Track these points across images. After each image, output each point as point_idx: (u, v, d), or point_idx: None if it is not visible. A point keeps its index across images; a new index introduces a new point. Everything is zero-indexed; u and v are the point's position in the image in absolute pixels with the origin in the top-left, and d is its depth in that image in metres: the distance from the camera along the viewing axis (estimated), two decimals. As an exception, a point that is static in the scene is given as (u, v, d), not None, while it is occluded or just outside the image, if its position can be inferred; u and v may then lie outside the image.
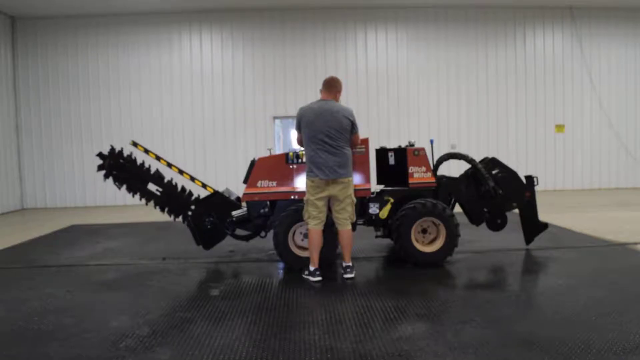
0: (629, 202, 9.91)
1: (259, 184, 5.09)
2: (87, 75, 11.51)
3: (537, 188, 5.60)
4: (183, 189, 5.39)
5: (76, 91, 11.51)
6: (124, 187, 5.23)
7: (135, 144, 5.45)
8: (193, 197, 5.35)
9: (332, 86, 4.62)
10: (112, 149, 5.22)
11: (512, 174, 5.50)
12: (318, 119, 4.45)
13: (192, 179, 5.66)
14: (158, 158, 5.54)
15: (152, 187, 5.26)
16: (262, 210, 5.24)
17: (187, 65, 11.64)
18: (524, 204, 5.52)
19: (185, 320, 3.65)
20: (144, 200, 5.28)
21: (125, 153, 5.32)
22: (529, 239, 5.68)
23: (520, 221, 5.62)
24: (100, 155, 5.21)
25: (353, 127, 4.57)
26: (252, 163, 5.22)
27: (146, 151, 5.50)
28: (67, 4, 10.68)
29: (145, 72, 11.57)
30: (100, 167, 5.19)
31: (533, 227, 5.63)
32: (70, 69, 11.50)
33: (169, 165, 5.55)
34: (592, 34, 12.16)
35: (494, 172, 5.50)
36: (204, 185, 5.67)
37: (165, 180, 5.31)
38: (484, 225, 5.55)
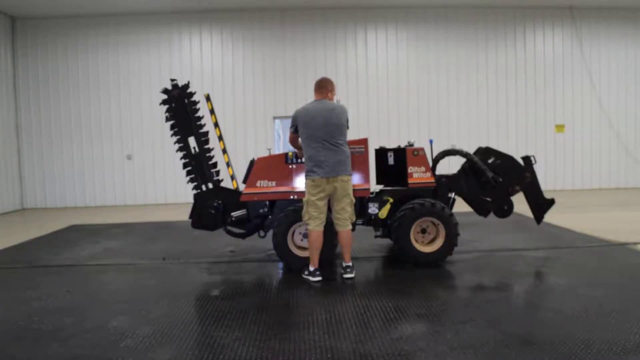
0: (629, 202, 9.91)
1: (258, 184, 5.09)
2: (87, 75, 11.51)
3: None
4: (215, 165, 5.39)
5: (76, 91, 11.51)
6: (170, 123, 5.27)
7: (208, 98, 5.45)
8: (216, 178, 5.35)
9: (323, 87, 4.67)
10: (186, 85, 5.28)
11: (508, 159, 5.51)
12: (317, 117, 4.49)
13: (228, 164, 5.66)
14: (216, 124, 5.51)
15: (192, 142, 5.30)
16: (261, 210, 5.24)
17: (187, 65, 11.63)
18: (527, 185, 5.52)
19: (185, 320, 3.65)
20: (177, 146, 5.32)
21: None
22: (539, 218, 5.67)
23: (527, 202, 5.61)
24: (165, 90, 5.24)
25: (347, 123, 4.64)
26: (252, 163, 5.23)
27: (212, 112, 5.47)
28: (67, 3, 10.68)
29: (145, 72, 11.56)
30: (164, 101, 5.24)
31: (540, 205, 5.63)
32: (70, 69, 11.49)
33: (220, 137, 5.51)
34: (592, 34, 12.16)
35: (489, 161, 5.51)
36: (232, 177, 5.66)
37: (206, 147, 5.32)
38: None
